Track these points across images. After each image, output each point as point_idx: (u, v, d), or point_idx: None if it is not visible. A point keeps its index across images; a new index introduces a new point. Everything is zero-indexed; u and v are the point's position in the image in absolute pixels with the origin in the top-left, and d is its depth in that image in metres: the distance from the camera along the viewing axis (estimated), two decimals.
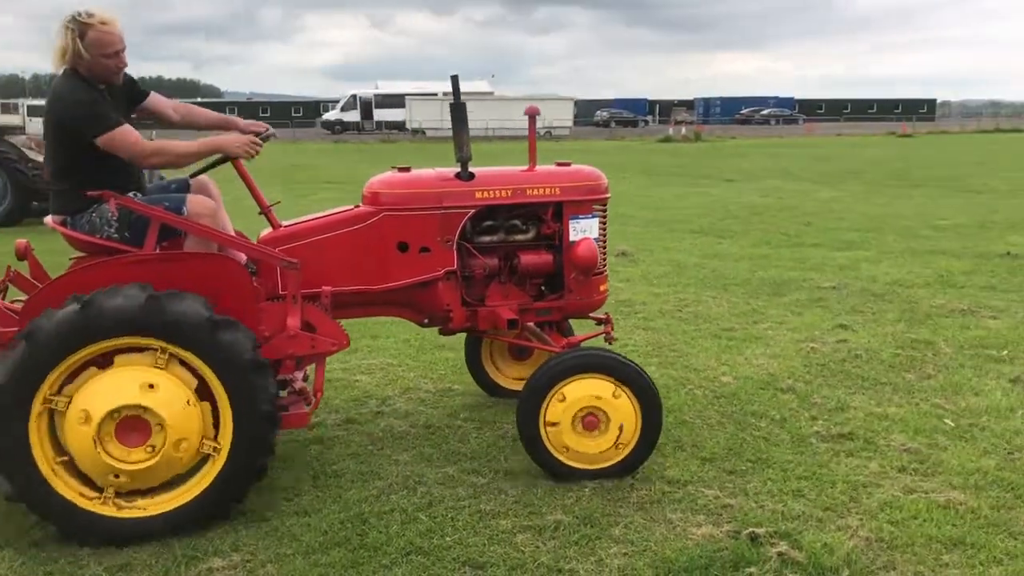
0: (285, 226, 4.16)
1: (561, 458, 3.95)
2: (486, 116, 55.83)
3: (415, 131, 54.66)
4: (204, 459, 3.51)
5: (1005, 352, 5.91)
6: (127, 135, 3.70)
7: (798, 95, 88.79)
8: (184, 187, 4.15)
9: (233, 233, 4.03)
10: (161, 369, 3.40)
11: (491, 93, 69.93)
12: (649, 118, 77.39)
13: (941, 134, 49.80)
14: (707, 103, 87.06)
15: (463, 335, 4.84)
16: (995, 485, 3.88)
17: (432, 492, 3.87)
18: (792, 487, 3.88)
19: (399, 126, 58.53)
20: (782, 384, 5.31)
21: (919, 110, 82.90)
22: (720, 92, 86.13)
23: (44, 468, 3.36)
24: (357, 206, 4.22)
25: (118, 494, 3.43)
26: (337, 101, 69.25)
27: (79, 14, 3.68)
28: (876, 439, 4.43)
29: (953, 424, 4.61)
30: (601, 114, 74.62)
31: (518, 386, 4.73)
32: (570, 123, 54.90)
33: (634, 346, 6.14)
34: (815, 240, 10.99)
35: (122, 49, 3.81)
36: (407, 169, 4.30)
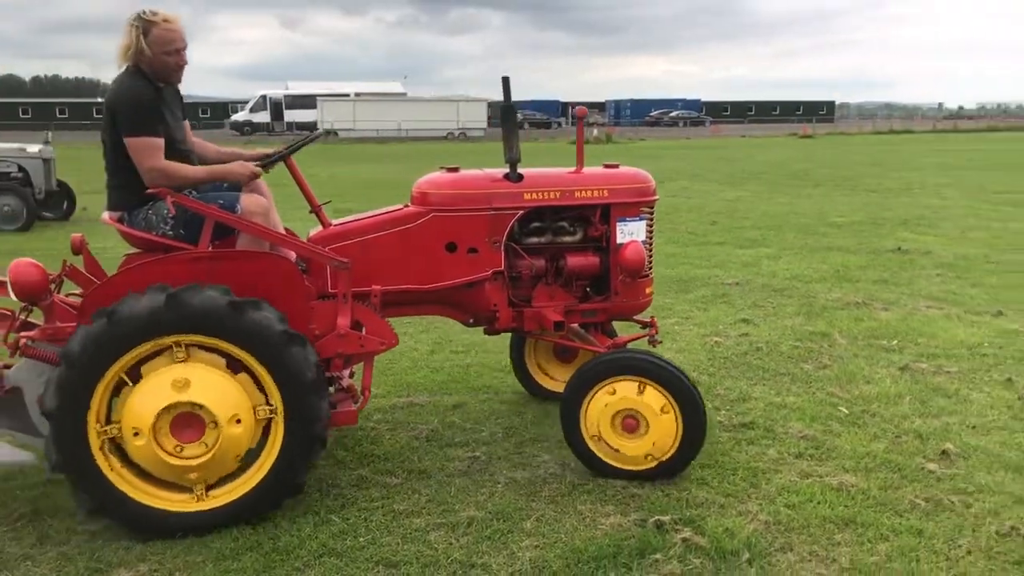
0: (335, 225, 4.17)
1: (602, 456, 3.97)
2: (399, 117, 55.53)
3: (327, 132, 53.93)
4: (267, 427, 3.56)
5: (895, 342, 6.24)
6: (152, 148, 3.73)
7: (705, 98, 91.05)
8: (237, 186, 4.12)
9: (284, 232, 4.05)
10: (181, 363, 3.43)
11: (404, 94, 69.56)
12: (562, 120, 78.20)
13: (840, 135, 51.83)
14: (618, 105, 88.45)
15: (488, 336, 4.76)
16: (883, 467, 4.11)
17: (345, 494, 3.88)
18: (696, 475, 4.02)
19: (310, 127, 57.64)
20: None
21: (819, 112, 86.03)
22: (630, 94, 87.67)
23: (119, 483, 3.43)
24: (406, 205, 4.23)
25: (208, 487, 3.51)
26: (246, 102, 67.76)
27: (144, 12, 3.78)
28: (775, 427, 4.64)
29: (847, 411, 4.85)
30: None
31: (562, 388, 4.64)
32: (484, 124, 55.02)
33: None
34: (720, 239, 11.34)
35: (183, 47, 3.90)
36: (455, 169, 4.30)
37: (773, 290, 8.03)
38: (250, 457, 3.58)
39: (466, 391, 5.34)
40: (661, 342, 4.69)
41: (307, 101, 60.60)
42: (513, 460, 4.28)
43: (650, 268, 4.41)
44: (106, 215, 4.00)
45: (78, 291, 4.05)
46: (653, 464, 3.93)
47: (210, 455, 3.41)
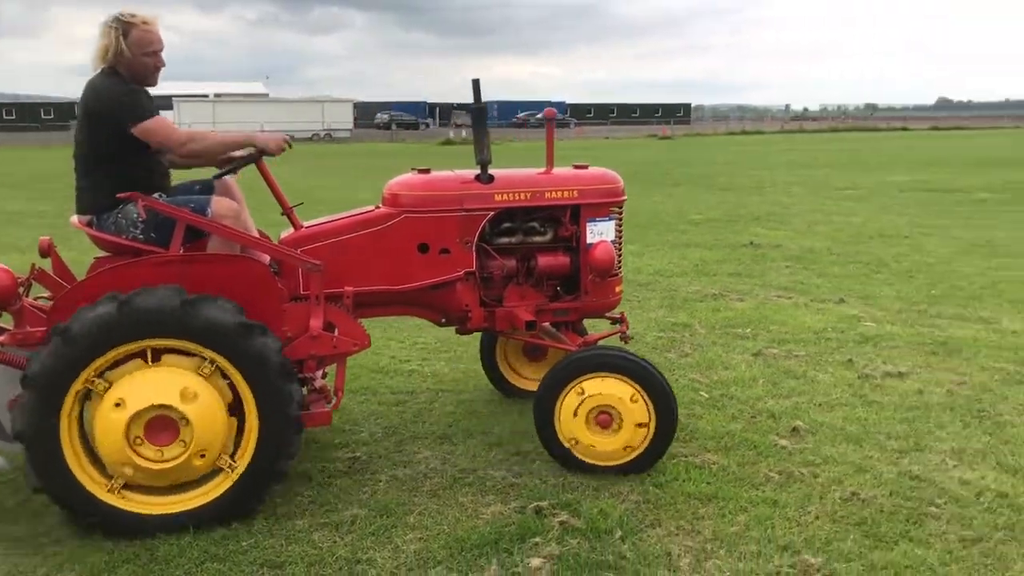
0: (306, 227, 4.17)
1: (574, 452, 4.02)
2: (262, 118, 54.11)
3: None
4: (215, 472, 3.58)
5: (749, 330, 6.67)
6: (164, 123, 3.82)
7: (569, 100, 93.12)
8: (208, 189, 4.12)
9: (256, 234, 4.04)
10: (204, 378, 3.48)
11: (266, 95, 67.79)
12: (429, 121, 78.18)
13: (696, 136, 54.22)
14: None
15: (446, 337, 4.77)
16: (741, 445, 4.42)
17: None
18: None
19: None
20: None
21: (677, 114, 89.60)
22: (497, 96, 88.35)
23: (71, 460, 3.44)
24: (377, 207, 4.22)
25: (125, 485, 3.50)
26: None
27: (122, 14, 3.81)
28: None
29: (707, 395, 5.17)
30: (382, 116, 74.49)
31: (533, 386, 4.74)
32: (351, 125, 54.35)
33: (424, 343, 6.34)
34: None
35: (161, 48, 3.92)
36: (427, 171, 4.31)
37: (638, 284, 8.39)
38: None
39: (344, 393, 5.33)
40: (632, 338, 4.77)
41: (162, 102, 57.66)
42: (394, 458, 4.34)
43: (619, 267, 4.48)
44: (75, 219, 3.95)
45: (46, 294, 4.03)
46: (629, 458, 4.02)
47: (162, 467, 3.43)
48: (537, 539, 3.44)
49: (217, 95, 60.65)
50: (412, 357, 6.08)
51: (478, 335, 5.02)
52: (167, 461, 3.43)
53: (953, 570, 3.22)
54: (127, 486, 3.51)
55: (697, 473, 4.06)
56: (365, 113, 77.11)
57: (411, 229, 4.12)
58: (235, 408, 3.57)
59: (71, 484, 3.45)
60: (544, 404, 4.02)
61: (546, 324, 4.47)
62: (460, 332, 4.57)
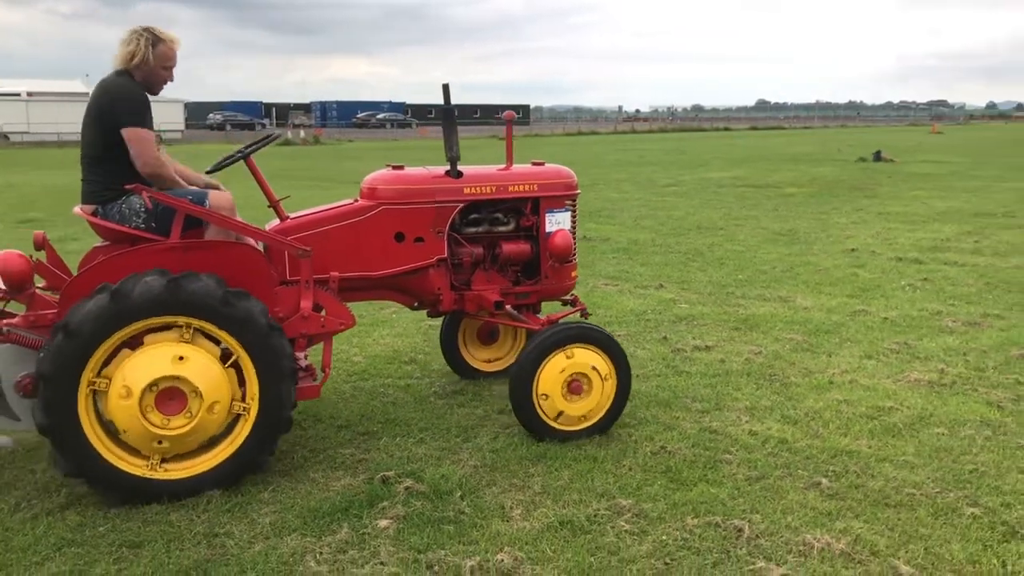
0: (292, 218, 4.50)
1: (548, 421, 4.41)
2: (80, 119, 50.96)
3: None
4: (235, 419, 3.91)
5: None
6: (150, 139, 4.07)
7: (407, 100, 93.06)
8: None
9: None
10: (187, 343, 3.76)
11: (86, 94, 63.90)
12: (266, 121, 76.06)
13: (535, 137, 55.57)
14: (324, 107, 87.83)
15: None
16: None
17: (76, 491, 3.93)
18: (416, 437, 4.58)
19: None
20: (405, 357, 6.06)
21: (517, 114, 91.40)
22: (333, 96, 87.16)
23: (99, 447, 3.71)
24: (355, 200, 4.60)
25: (163, 460, 3.81)
26: None
27: (154, 28, 4.18)
28: (482, 392, 5.32)
29: None
30: (215, 117, 71.88)
31: (487, 367, 5.59)
32: (181, 126, 52.15)
33: None
34: None
35: (175, 66, 4.27)
36: (400, 167, 4.72)
37: None
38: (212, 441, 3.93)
39: None
40: (591, 315, 5.27)
41: None
42: None
43: (575, 254, 4.96)
44: (78, 208, 4.20)
45: (42, 283, 4.26)
46: (586, 424, 4.48)
47: (185, 429, 3.73)
48: (384, 503, 3.79)
49: (30, 93, 56.52)
50: None
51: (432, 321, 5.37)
52: (185, 424, 3.74)
53: (740, 503, 3.81)
54: (163, 459, 3.83)
55: (528, 439, 4.51)
56: (197, 114, 74.12)
57: (388, 220, 4.54)
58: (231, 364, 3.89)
59: (106, 469, 3.73)
60: (524, 371, 4.38)
61: (508, 307, 4.86)
62: (431, 315, 5.03)
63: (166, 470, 3.83)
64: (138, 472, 3.78)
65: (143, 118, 4.05)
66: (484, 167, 4.96)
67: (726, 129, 70.79)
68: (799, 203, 15.44)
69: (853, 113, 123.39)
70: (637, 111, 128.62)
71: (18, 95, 54.94)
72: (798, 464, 4.22)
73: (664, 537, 3.51)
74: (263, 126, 71.89)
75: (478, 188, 4.73)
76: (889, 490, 3.92)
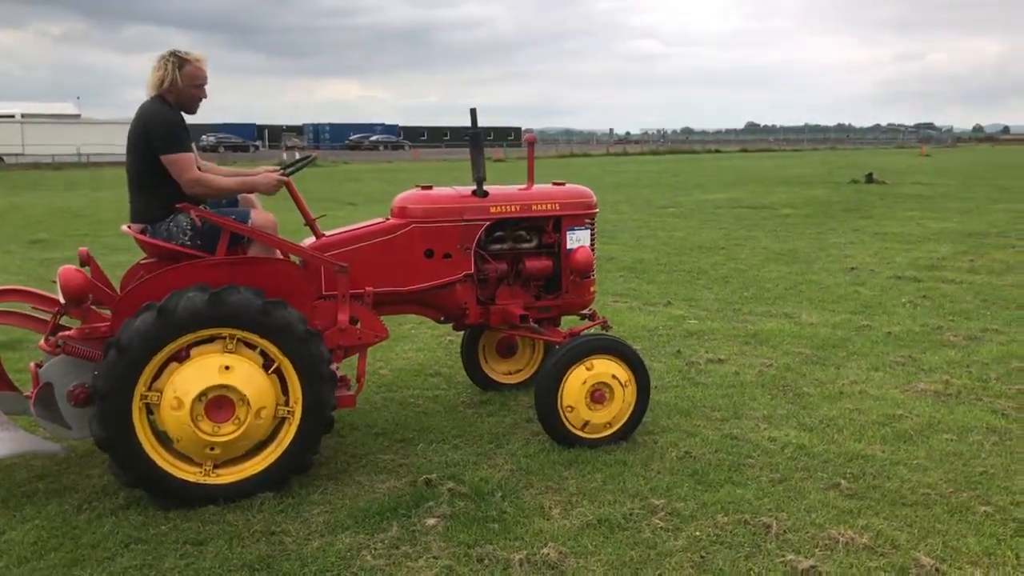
0: (327, 236, 4.70)
1: (575, 431, 4.61)
2: (76, 140, 51.15)
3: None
4: (281, 423, 4.10)
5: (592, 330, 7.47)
6: (187, 161, 4.23)
7: (400, 123, 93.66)
8: (233, 203, 4.65)
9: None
10: (232, 352, 3.96)
11: (78, 116, 64.03)
12: (259, 143, 76.39)
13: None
14: (317, 129, 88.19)
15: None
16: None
17: (134, 493, 4.11)
18: (451, 443, 4.79)
19: None
20: (430, 370, 6.27)
21: (508, 137, 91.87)
22: (326, 118, 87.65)
23: (155, 456, 3.92)
24: (386, 219, 4.84)
25: (215, 465, 4.00)
26: None
27: (179, 51, 4.34)
28: (508, 402, 5.54)
29: None
30: (208, 139, 72.11)
31: (507, 379, 5.82)
32: None
33: None
34: None
35: (206, 83, 4.42)
36: (429, 187, 4.96)
37: None
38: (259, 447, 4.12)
39: None
40: (612, 327, 5.47)
41: None
42: None
43: (594, 269, 5.16)
44: (126, 227, 4.43)
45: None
46: (610, 431, 4.67)
47: (235, 435, 3.92)
48: (430, 503, 3.99)
49: (25, 115, 56.72)
50: None
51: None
52: (236, 430, 3.93)
53: (766, 502, 4.03)
54: (216, 465, 4.02)
55: (555, 445, 4.71)
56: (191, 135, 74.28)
57: (419, 237, 4.76)
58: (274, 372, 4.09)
59: (162, 477, 3.92)
60: (548, 386, 4.59)
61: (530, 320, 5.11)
62: (457, 328, 5.25)
63: (219, 475, 4.03)
64: (193, 478, 3.97)
65: (179, 142, 4.24)
66: (508, 187, 5.20)
67: (717, 151, 71.49)
68: (796, 224, 15.75)
69: (842, 135, 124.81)
70: (628, 133, 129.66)
71: (13, 117, 55.10)
72: (817, 467, 4.45)
73: (697, 533, 3.73)
74: (256, 148, 72.17)
75: (503, 207, 4.97)
76: (905, 490, 4.15)
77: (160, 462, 3.93)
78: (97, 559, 3.53)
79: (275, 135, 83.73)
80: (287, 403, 4.10)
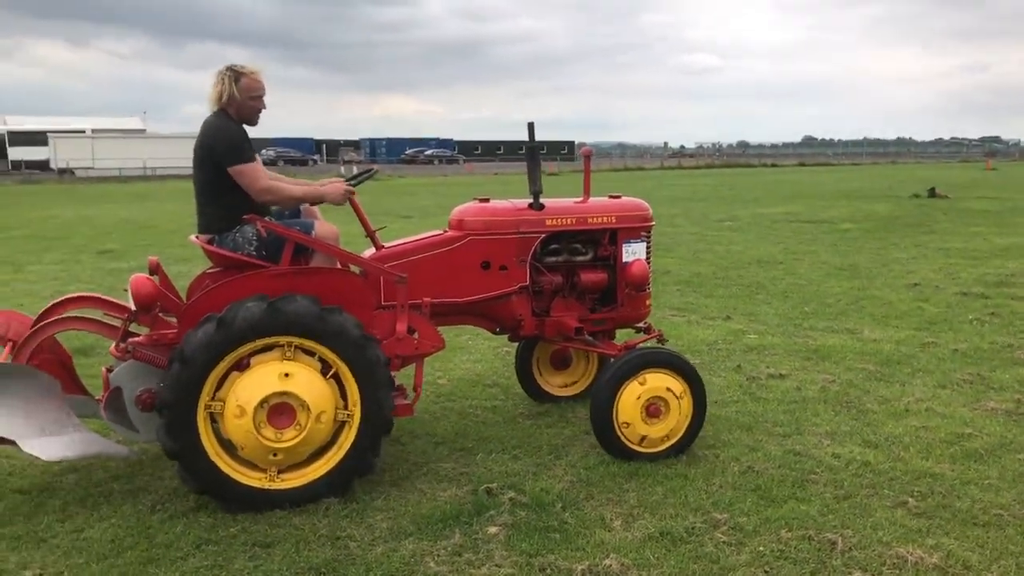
0: (387, 247, 4.81)
1: (632, 446, 4.60)
2: (141, 154, 52.73)
3: (62, 171, 50.02)
4: (341, 427, 4.18)
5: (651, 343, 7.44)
6: (256, 170, 4.37)
7: (455, 137, 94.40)
8: (296, 214, 4.76)
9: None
10: (290, 360, 4.05)
11: (144, 131, 66.00)
12: (317, 157, 77.73)
13: (581, 173, 55.95)
14: (373, 143, 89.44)
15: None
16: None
17: (203, 499, 4.22)
18: (510, 454, 4.82)
19: (42, 166, 53.13)
20: (488, 381, 6.32)
21: (561, 151, 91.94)
22: (382, 133, 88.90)
23: (220, 464, 4.02)
24: (444, 231, 4.92)
25: (279, 471, 4.09)
26: None
27: (235, 65, 4.45)
28: (566, 414, 5.55)
29: None
30: (268, 153, 73.59)
31: (562, 391, 5.81)
32: None
33: None
34: None
35: (263, 94, 4.52)
36: (486, 200, 5.01)
37: None
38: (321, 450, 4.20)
39: None
40: (668, 340, 5.41)
41: (36, 138, 55.88)
42: None
43: (650, 283, 5.17)
44: (194, 237, 4.58)
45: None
46: (667, 444, 4.65)
47: (297, 440, 4.02)
48: (491, 512, 4.03)
49: (94, 131, 58.68)
50: None
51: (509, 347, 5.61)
52: (295, 437, 4.03)
53: (830, 519, 3.98)
54: (280, 470, 4.12)
55: (614, 458, 4.70)
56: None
57: (475, 249, 4.82)
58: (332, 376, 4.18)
59: (228, 483, 4.03)
60: (604, 396, 4.60)
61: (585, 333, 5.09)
62: (512, 339, 5.28)
63: (283, 480, 4.12)
64: (258, 484, 4.07)
65: (242, 153, 4.35)
66: (564, 200, 5.21)
67: (774, 165, 70.59)
68: (856, 238, 15.47)
69: (903, 149, 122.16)
70: (682, 147, 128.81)
71: (83, 132, 57.03)
72: (883, 484, 4.37)
73: (761, 548, 3.69)
74: (314, 162, 73.46)
75: (559, 220, 4.99)
76: (976, 510, 4.05)
77: (225, 468, 4.03)
78: (170, 558, 3.64)
79: (332, 149, 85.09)
80: (346, 407, 4.17)
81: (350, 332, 4.09)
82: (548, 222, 4.96)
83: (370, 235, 4.89)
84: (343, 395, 4.18)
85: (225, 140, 4.36)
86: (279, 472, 4.12)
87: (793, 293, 9.92)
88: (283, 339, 4.05)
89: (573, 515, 4.02)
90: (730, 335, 7.75)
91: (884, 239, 15.24)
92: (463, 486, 4.37)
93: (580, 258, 5.13)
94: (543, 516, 4.00)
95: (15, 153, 56.73)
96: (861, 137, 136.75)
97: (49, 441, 4.15)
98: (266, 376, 4.02)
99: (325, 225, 4.60)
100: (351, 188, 4.62)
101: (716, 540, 3.76)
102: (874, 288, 10.18)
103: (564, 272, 5.11)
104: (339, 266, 4.55)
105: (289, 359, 4.08)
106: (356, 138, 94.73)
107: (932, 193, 25.80)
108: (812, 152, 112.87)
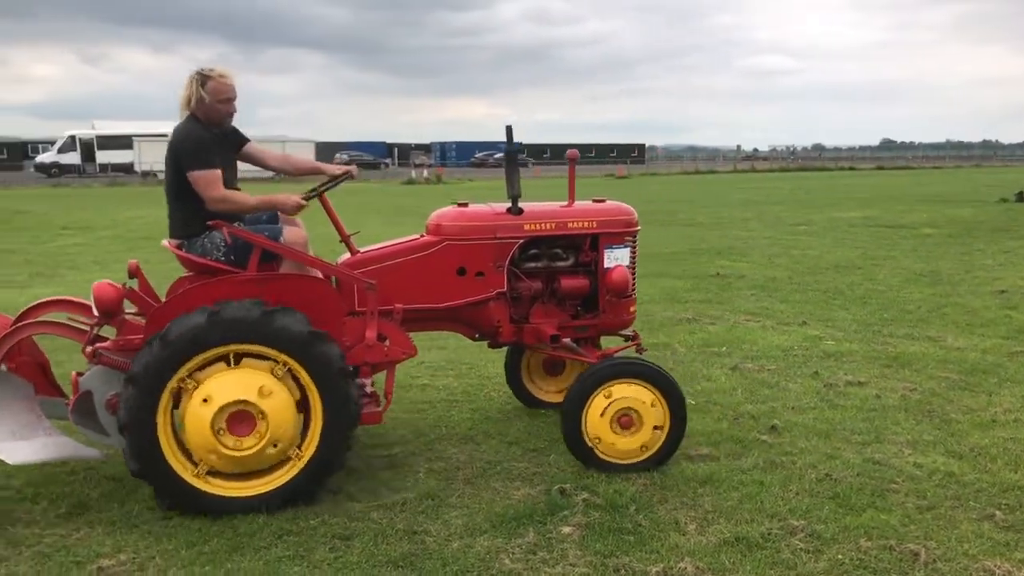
0: (361, 252, 4.75)
1: (597, 452, 4.50)
2: None
3: (145, 174, 51.78)
4: (283, 461, 4.12)
5: (724, 348, 7.37)
6: (210, 179, 4.32)
7: (525, 140, 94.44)
8: (274, 219, 4.74)
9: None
10: (278, 378, 4.03)
11: None
12: (388, 161, 78.80)
13: (652, 175, 55.58)
14: (443, 147, 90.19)
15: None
16: (728, 440, 5.07)
17: None
18: None
19: (126, 168, 55.10)
20: None
21: (631, 154, 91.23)
22: (453, 136, 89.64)
23: (165, 448, 3.98)
24: (421, 235, 4.83)
25: (209, 472, 4.04)
26: (50, 142, 63.89)
27: (203, 68, 4.45)
28: None
29: (694, 402, 5.81)
30: (341, 156, 74.81)
31: (556, 398, 5.54)
32: None
33: (431, 362, 6.91)
34: None
35: (233, 98, 4.51)
36: (465, 204, 4.92)
37: None
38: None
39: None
40: (647, 351, 5.26)
41: (121, 141, 57.92)
42: (427, 455, 4.91)
43: (634, 289, 5.04)
44: (166, 242, 4.56)
45: (134, 310, 4.49)
46: (646, 455, 4.53)
47: (241, 454, 3.98)
48: (565, 512, 4.05)
49: None
50: (422, 374, 6.65)
51: (500, 353, 5.61)
52: (245, 450, 3.99)
53: (912, 529, 3.89)
54: (210, 472, 4.06)
55: (694, 463, 4.69)
56: (325, 153, 77.43)
57: (452, 255, 4.74)
58: (302, 406, 4.14)
59: (164, 469, 4.01)
60: (573, 405, 4.51)
61: (567, 339, 4.95)
62: (491, 346, 5.18)
63: (207, 481, 4.05)
64: (186, 477, 4.01)
65: (204, 159, 4.30)
66: (544, 204, 5.04)
67: (851, 168, 68.83)
68: (938, 244, 15.01)
69: (989, 152, 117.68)
70: (755, 150, 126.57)
71: (165, 136, 58.90)
72: (968, 496, 4.25)
73: (840, 556, 3.63)
74: (387, 165, 74.49)
75: (538, 225, 4.85)
76: None
77: (169, 457, 3.98)
78: (254, 547, 3.76)
79: (404, 153, 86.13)
80: (300, 445, 4.13)
81: (293, 329, 4.00)
82: (527, 227, 4.83)
83: (344, 239, 4.83)
84: (305, 428, 4.14)
85: (187, 144, 4.33)
86: (207, 472, 4.05)
87: (872, 299, 9.68)
88: (280, 356, 4.02)
89: (647, 517, 4.02)
90: (806, 341, 7.61)
91: (968, 244, 14.75)
92: (536, 486, 4.41)
93: (560, 264, 4.98)
94: (617, 518, 4.00)
95: (103, 156, 58.89)
96: (943, 140, 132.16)
97: (19, 445, 4.18)
98: (248, 380, 3.98)
99: (295, 230, 4.58)
100: (302, 200, 4.53)
101: (793, 547, 3.71)
102: (957, 295, 9.87)
103: (544, 278, 4.97)
104: (309, 272, 4.48)
105: (278, 376, 4.05)
106: (427, 142, 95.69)
107: (1020, 197, 24.82)
108: (891, 155, 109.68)
